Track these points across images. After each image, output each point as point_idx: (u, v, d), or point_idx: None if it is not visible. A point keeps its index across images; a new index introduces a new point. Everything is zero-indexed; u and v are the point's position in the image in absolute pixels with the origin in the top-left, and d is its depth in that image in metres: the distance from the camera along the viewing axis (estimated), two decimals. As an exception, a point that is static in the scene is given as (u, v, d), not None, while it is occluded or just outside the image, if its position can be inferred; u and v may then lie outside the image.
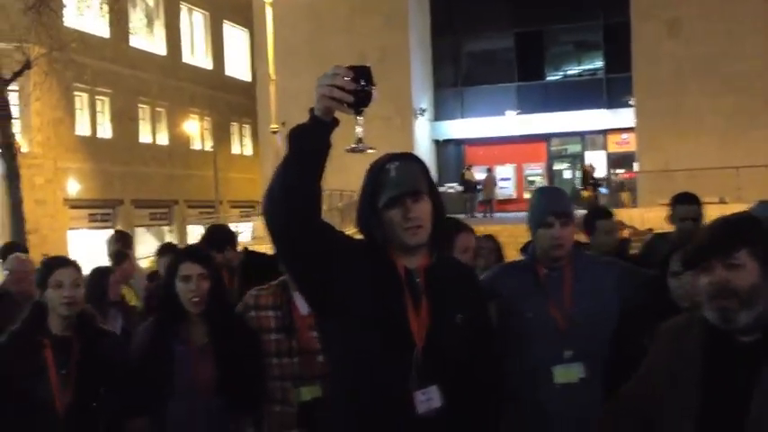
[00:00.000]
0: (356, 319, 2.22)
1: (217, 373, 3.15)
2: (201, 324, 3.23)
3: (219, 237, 5.10)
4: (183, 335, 3.21)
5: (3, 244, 6.83)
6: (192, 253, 3.39)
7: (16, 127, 14.58)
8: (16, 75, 14.63)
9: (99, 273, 5.45)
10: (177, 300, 3.21)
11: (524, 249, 3.12)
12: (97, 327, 3.39)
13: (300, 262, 2.24)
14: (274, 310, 3.20)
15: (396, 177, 2.24)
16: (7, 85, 14.38)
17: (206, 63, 31.97)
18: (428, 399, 2.22)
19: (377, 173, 2.29)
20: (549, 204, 2.94)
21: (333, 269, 2.20)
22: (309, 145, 2.09)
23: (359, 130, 2.13)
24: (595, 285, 2.91)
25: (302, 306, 3.15)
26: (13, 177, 14.19)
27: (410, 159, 2.34)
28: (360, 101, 2.04)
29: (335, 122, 2.10)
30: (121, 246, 7.07)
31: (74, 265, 3.30)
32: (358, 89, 2.03)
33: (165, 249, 6.54)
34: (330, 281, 2.21)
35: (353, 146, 2.13)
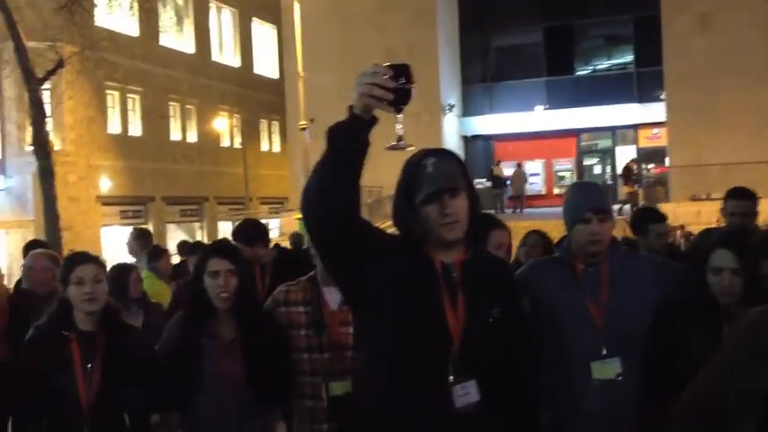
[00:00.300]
0: (392, 316, 2.22)
1: (245, 368, 3.14)
2: (230, 320, 3.21)
3: (250, 231, 5.12)
4: (212, 330, 3.20)
5: (26, 242, 6.86)
6: (220, 249, 3.36)
7: (49, 125, 14.72)
8: (49, 74, 14.79)
9: (120, 269, 5.44)
10: (206, 295, 3.19)
11: (559, 245, 3.10)
12: (122, 322, 3.38)
13: (336, 259, 2.27)
14: (304, 305, 3.19)
15: (433, 173, 2.24)
16: (41, 84, 14.54)
17: (234, 61, 32.15)
18: (466, 393, 2.23)
19: (413, 168, 2.29)
20: (586, 200, 2.90)
21: (368, 267, 2.21)
22: (348, 143, 2.10)
23: (399, 127, 2.14)
24: (632, 281, 2.88)
25: (332, 301, 3.15)
26: (48, 175, 14.33)
27: (446, 155, 2.34)
28: (399, 99, 2.07)
29: (374, 120, 2.12)
30: (140, 243, 7.12)
31: (95, 261, 3.28)
32: (398, 87, 2.05)
33: (192, 248, 6.58)
34: (365, 278, 2.22)
35: (394, 144, 2.15)
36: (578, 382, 2.81)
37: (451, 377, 2.22)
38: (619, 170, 26.12)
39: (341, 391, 3.07)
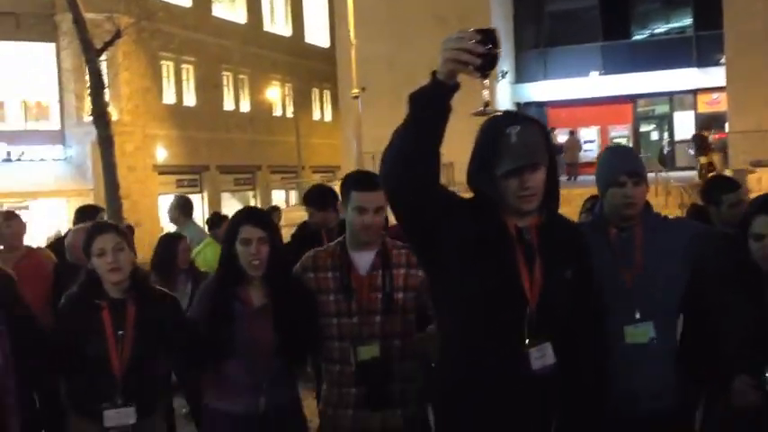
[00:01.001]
0: (468, 279, 2.24)
1: (276, 333, 3.15)
2: (261, 286, 3.22)
3: (322, 196, 5.33)
4: (243, 296, 3.21)
5: (78, 208, 6.82)
6: (252, 216, 3.31)
7: (106, 96, 15.02)
8: (107, 45, 15.04)
9: (169, 239, 5.53)
10: (237, 261, 3.18)
11: (591, 210, 3.09)
12: (151, 287, 3.40)
13: (412, 223, 2.28)
14: (333, 270, 3.17)
15: (516, 145, 2.22)
16: (99, 55, 14.79)
17: (286, 30, 32.22)
18: (542, 355, 2.26)
19: (496, 136, 2.26)
20: (620, 163, 2.89)
21: (443, 230, 2.23)
22: (431, 109, 2.10)
23: (485, 93, 2.14)
24: (666, 245, 2.85)
25: (361, 267, 3.16)
26: (108, 144, 14.63)
27: (530, 123, 2.30)
28: (486, 64, 2.06)
29: (457, 86, 2.10)
30: (182, 211, 7.17)
31: (115, 230, 3.27)
32: (485, 52, 2.04)
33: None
34: (441, 241, 2.24)
35: (481, 109, 2.15)
36: (612, 345, 2.81)
37: (527, 340, 2.25)
38: (677, 137, 25.51)
39: (369, 355, 3.08)
